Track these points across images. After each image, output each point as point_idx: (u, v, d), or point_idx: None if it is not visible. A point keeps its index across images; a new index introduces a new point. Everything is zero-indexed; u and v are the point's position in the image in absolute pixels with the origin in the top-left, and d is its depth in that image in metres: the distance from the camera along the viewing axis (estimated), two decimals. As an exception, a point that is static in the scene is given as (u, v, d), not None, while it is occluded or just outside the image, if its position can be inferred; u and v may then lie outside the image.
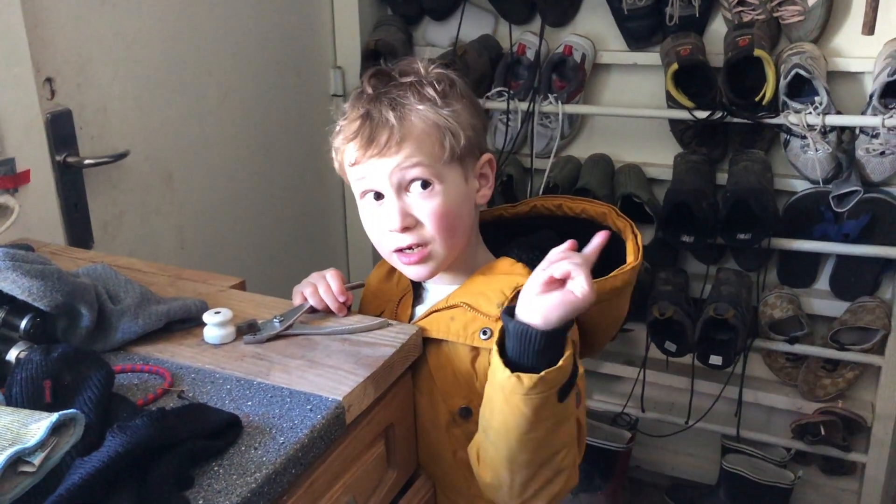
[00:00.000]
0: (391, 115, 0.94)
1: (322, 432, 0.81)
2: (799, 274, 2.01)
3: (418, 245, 0.98)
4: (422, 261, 0.99)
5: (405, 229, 0.97)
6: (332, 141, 1.03)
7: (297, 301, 1.04)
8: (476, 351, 0.97)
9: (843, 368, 2.00)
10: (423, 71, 0.99)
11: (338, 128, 1.01)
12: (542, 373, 0.80)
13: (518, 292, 0.95)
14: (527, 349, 0.82)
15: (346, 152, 0.99)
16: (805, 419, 2.02)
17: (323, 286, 1.03)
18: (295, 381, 0.87)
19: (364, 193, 1.00)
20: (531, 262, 0.99)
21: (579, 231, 1.10)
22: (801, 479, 2.08)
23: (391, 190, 0.96)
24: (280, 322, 0.98)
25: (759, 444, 2.12)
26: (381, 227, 0.99)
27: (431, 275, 1.02)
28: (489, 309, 0.96)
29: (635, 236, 1.04)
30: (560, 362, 0.81)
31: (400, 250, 0.99)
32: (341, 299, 1.02)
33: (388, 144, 0.94)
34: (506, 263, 1.02)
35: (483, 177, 1.03)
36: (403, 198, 0.97)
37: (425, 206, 0.97)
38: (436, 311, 1.01)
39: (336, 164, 1.04)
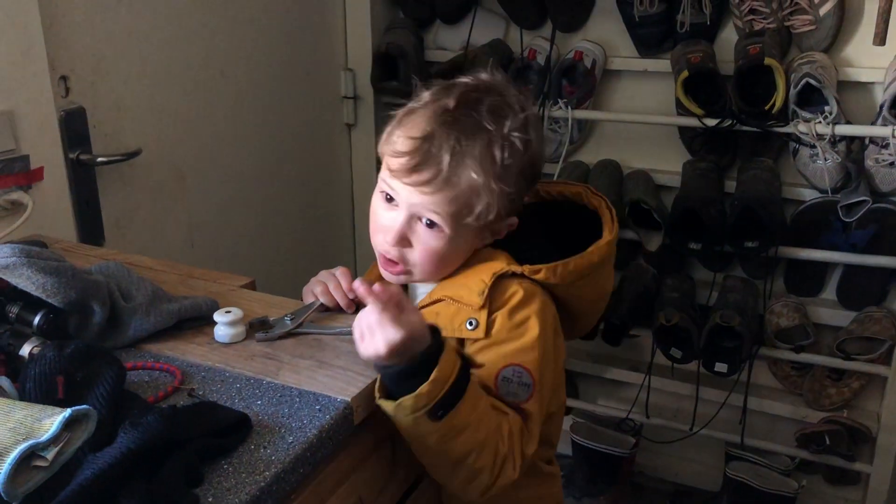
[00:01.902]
0: (446, 159, 0.92)
1: (330, 432, 0.81)
2: (806, 283, 2.01)
3: (399, 262, 1.00)
4: (399, 274, 1.01)
5: (396, 245, 0.98)
6: (392, 124, 0.99)
7: (307, 300, 1.05)
8: (464, 343, 0.97)
9: (849, 378, 2.00)
10: (507, 129, 0.94)
11: (399, 131, 0.97)
12: (399, 401, 0.83)
13: (497, 277, 0.97)
14: (386, 377, 0.85)
15: (389, 159, 0.96)
16: (810, 428, 2.02)
17: (333, 283, 1.04)
18: (304, 381, 0.88)
19: (383, 190, 1.00)
20: (509, 249, 1.02)
21: (560, 212, 1.11)
22: (804, 488, 2.08)
23: (405, 213, 0.97)
24: (291, 320, 0.99)
25: (764, 452, 2.12)
26: (380, 225, 1.01)
27: (402, 283, 1.04)
28: (471, 298, 0.97)
29: (610, 211, 1.05)
30: (418, 390, 0.82)
31: (383, 255, 1.01)
32: (351, 296, 1.03)
33: (426, 184, 0.93)
34: (484, 252, 1.02)
35: (498, 232, 1.02)
36: (409, 221, 0.97)
37: (424, 239, 0.97)
38: (421, 307, 1.01)
39: (380, 146, 1.00)
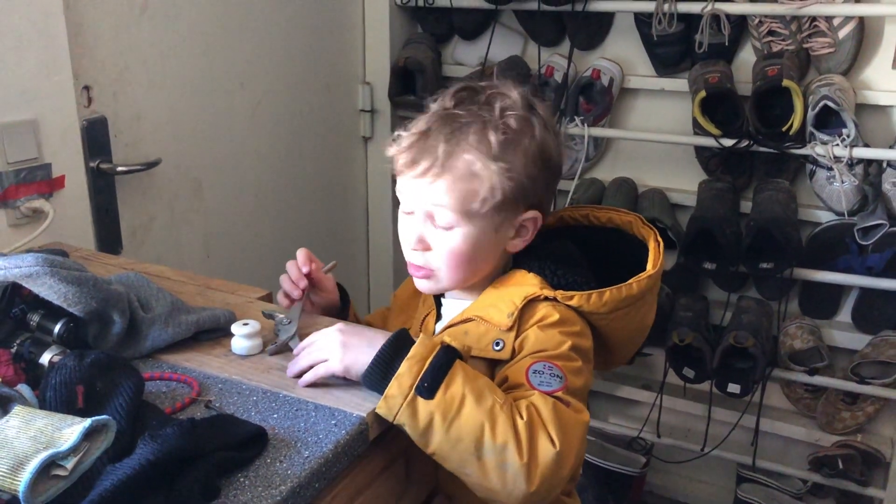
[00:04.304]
0: (441, 147, 0.94)
1: (346, 448, 0.82)
2: (821, 305, 2.00)
3: (424, 268, 1.01)
4: (426, 277, 1.02)
5: (416, 250, 1.00)
6: (390, 141, 1.02)
7: (281, 301, 1.09)
8: (492, 363, 0.97)
9: (863, 402, 1.98)
10: (498, 111, 0.96)
11: (404, 132, 1.00)
12: (385, 392, 0.85)
13: (528, 301, 0.97)
14: (367, 380, 0.88)
15: (396, 161, 0.99)
16: (823, 452, 2.00)
17: (288, 276, 1.09)
18: (320, 395, 0.88)
19: (400, 202, 1.02)
20: (542, 271, 1.01)
21: (607, 239, 1.10)
22: (816, 512, 2.07)
23: (416, 212, 0.99)
24: (290, 323, 1.00)
25: (775, 475, 2.10)
26: (401, 235, 1.03)
27: (434, 291, 1.06)
28: (500, 320, 0.97)
29: (658, 244, 1.03)
30: (397, 371, 0.85)
31: (410, 264, 1.03)
32: (301, 285, 1.08)
33: (426, 173, 0.95)
34: (518, 274, 1.02)
35: (522, 228, 1.02)
36: (425, 223, 0.99)
37: (441, 240, 0.98)
38: (451, 325, 1.02)
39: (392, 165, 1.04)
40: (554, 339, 0.94)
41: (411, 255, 1.01)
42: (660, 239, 1.03)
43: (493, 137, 0.95)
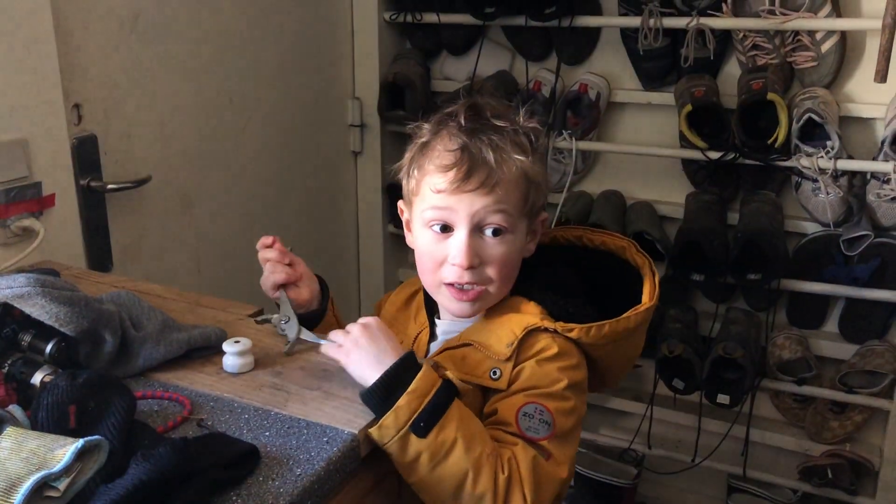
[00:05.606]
0: (491, 157, 0.95)
1: (337, 465, 0.82)
2: (808, 315, 2.01)
3: (476, 284, 0.99)
4: (475, 298, 1.00)
5: (469, 268, 0.98)
6: (413, 159, 1.02)
7: (271, 292, 1.08)
8: (487, 391, 0.98)
9: (851, 411, 2.00)
10: (518, 120, 1.00)
11: (414, 158, 1.01)
12: (381, 421, 0.85)
13: (528, 331, 0.97)
14: (366, 396, 0.88)
15: (434, 179, 0.98)
16: (812, 461, 2.01)
17: (271, 260, 1.09)
18: (312, 412, 0.89)
19: (431, 222, 0.99)
20: (544, 302, 1.01)
21: (598, 263, 1.11)
22: (807, 521, 2.08)
23: (467, 227, 0.97)
24: (289, 320, 1.02)
25: (766, 485, 2.11)
26: (440, 258, 1.00)
27: (476, 313, 1.03)
28: (499, 349, 0.97)
29: (653, 275, 1.04)
30: (396, 403, 0.85)
31: (454, 285, 1.00)
32: (286, 260, 1.10)
33: (484, 184, 0.95)
34: (518, 302, 1.03)
35: (535, 232, 1.05)
36: (476, 237, 0.98)
37: (493, 251, 0.98)
38: (448, 348, 1.02)
39: (410, 182, 1.02)
40: (550, 376, 0.95)
41: (460, 275, 0.98)
42: (654, 269, 1.04)
43: (525, 141, 0.98)
